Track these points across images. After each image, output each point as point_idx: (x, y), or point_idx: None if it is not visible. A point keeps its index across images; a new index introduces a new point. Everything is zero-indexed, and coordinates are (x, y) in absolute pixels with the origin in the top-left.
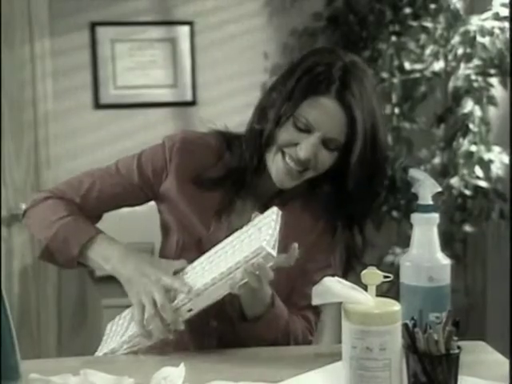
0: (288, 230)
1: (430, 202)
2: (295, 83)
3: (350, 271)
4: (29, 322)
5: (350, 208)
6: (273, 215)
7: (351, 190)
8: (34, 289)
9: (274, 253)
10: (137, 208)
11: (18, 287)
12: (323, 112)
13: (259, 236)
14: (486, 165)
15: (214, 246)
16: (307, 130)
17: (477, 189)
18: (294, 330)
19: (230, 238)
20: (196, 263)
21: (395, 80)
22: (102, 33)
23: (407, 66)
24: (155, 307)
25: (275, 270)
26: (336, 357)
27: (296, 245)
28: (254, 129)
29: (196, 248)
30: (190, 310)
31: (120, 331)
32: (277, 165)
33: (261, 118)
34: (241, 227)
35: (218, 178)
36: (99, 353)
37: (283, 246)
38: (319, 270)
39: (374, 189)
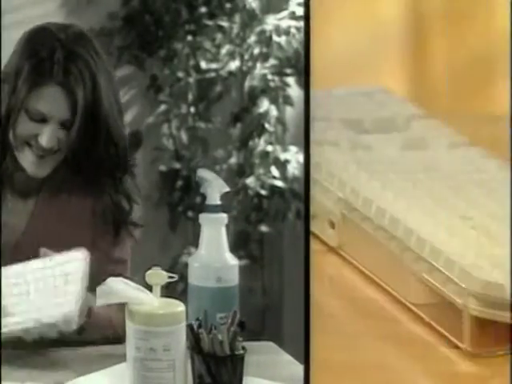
0: (63, 219)
1: (219, 202)
2: (16, 76)
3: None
4: None
5: (94, 175)
6: (80, 262)
7: (83, 158)
8: None
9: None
10: None
11: None
12: (51, 100)
13: (67, 290)
14: (282, 164)
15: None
16: (43, 119)
17: (273, 189)
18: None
19: (35, 264)
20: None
21: (191, 79)
22: None
23: (203, 65)
24: None
25: None
26: (124, 358)
27: None
28: None
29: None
30: None
31: None
32: (26, 158)
33: None
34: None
35: None
36: None
37: (64, 240)
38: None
39: (107, 155)
